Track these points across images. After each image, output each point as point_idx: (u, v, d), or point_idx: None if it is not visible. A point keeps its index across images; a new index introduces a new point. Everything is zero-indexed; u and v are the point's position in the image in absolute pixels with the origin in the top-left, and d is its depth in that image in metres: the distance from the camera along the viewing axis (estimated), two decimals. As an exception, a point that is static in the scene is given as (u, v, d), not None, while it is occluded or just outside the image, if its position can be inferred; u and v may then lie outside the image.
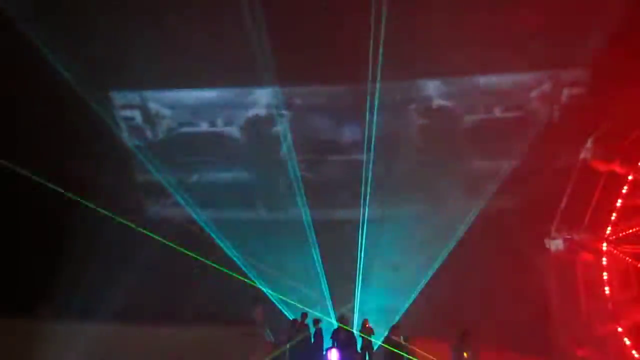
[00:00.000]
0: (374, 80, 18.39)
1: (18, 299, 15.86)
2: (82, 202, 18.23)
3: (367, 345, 18.29)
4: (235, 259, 20.67)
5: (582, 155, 19.66)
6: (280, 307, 20.65)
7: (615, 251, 19.15)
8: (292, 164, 20.92)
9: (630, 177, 18.98)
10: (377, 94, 19.20)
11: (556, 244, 20.19)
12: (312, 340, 18.08)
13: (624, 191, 19.15)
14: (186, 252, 18.86)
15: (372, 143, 20.49)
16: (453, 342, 17.73)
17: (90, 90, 18.81)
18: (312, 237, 21.03)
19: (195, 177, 21.62)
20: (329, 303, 20.76)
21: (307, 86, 20.19)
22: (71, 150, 19.07)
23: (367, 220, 21.00)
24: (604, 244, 19.33)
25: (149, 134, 21.31)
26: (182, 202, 21.24)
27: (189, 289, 19.71)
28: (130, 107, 20.82)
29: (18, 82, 17.26)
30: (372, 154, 20.62)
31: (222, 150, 21.40)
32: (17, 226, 18.04)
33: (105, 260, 18.38)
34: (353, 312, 20.61)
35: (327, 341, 18.20)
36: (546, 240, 20.42)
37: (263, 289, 20.60)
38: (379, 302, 20.60)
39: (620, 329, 18.76)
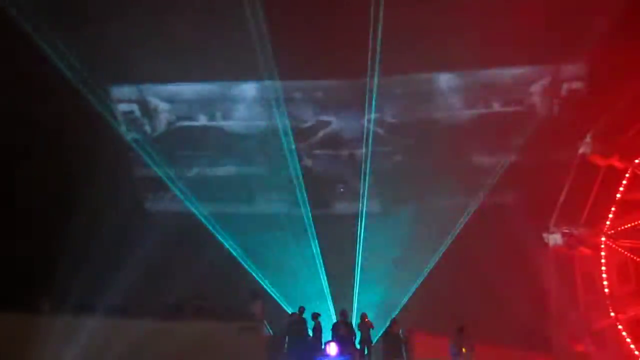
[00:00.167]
0: (372, 74, 18.38)
1: (17, 293, 15.87)
2: (81, 196, 18.30)
3: (366, 339, 18.29)
4: (234, 253, 20.69)
5: (581, 150, 19.67)
6: (279, 301, 20.68)
7: (613, 245, 19.18)
8: (291, 157, 20.92)
9: (628, 172, 18.98)
10: (374, 88, 19.25)
11: (554, 239, 20.24)
12: (312, 334, 18.08)
13: (622, 186, 19.18)
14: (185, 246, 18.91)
15: (370, 138, 20.53)
16: (451, 336, 17.77)
17: (88, 85, 18.78)
18: (311, 231, 21.05)
19: (194, 171, 21.62)
20: (328, 297, 20.77)
21: (306, 80, 20.17)
22: (70, 146, 19.03)
23: (366, 214, 21.03)
24: (603, 238, 19.33)
25: (147, 128, 21.26)
26: (181, 196, 21.23)
27: (188, 283, 19.69)
28: (129, 101, 20.78)
29: (18, 79, 17.24)
30: (370, 148, 20.64)
31: (221, 144, 21.38)
32: (15, 220, 18.03)
33: (104, 254, 18.36)
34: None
35: (326, 335, 18.21)
36: (545, 235, 20.43)
37: (262, 283, 20.63)
38: (378, 297, 20.62)
39: (618, 323, 18.78)
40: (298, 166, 21.04)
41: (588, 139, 19.44)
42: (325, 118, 21.08)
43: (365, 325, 18.38)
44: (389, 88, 19.68)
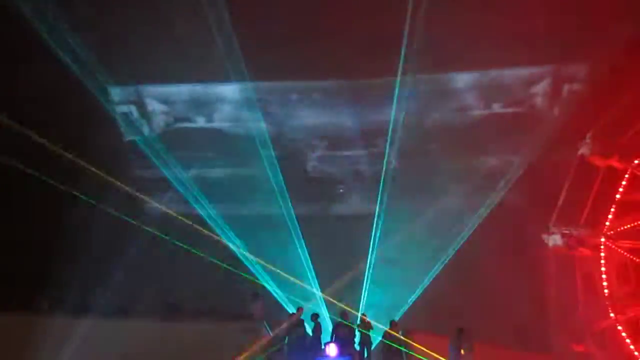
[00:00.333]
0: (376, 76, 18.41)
1: (17, 293, 15.83)
2: (79, 196, 18.22)
3: (365, 340, 18.27)
4: (234, 254, 20.65)
5: (580, 151, 19.66)
6: (279, 302, 20.65)
7: (613, 246, 19.15)
8: (290, 158, 20.91)
9: (628, 173, 18.98)
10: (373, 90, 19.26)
11: (554, 239, 20.20)
12: (311, 335, 18.05)
13: (621, 187, 19.18)
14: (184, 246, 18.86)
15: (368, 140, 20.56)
16: (451, 337, 17.76)
17: (87, 85, 18.74)
18: (313, 232, 21.03)
19: (192, 172, 21.58)
20: (327, 298, 20.72)
21: (304, 81, 20.16)
22: (68, 145, 18.95)
23: (366, 215, 21.02)
24: (602, 239, 19.32)
25: (145, 129, 21.23)
26: (179, 197, 21.19)
27: (188, 284, 19.67)
28: (127, 102, 20.73)
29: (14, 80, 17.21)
30: (368, 151, 20.64)
31: (220, 146, 21.35)
32: (14, 220, 17.97)
33: (103, 255, 18.32)
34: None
35: (325, 336, 18.19)
36: (544, 236, 20.41)
37: (262, 284, 20.59)
38: (379, 298, 20.60)
39: (618, 324, 18.76)
40: (298, 166, 21.04)
41: (588, 140, 19.43)
42: (323, 119, 21.07)
43: (365, 326, 18.38)
44: (387, 89, 19.68)
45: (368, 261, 20.89)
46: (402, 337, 17.85)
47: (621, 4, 16.44)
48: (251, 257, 20.73)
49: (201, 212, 21.07)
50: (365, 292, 20.91)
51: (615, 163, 19.17)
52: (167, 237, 18.78)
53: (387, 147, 20.65)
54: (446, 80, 19.84)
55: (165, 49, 18.05)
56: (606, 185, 19.34)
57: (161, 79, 19.89)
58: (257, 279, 20.64)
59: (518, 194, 20.39)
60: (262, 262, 20.55)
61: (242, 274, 20.17)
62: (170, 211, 20.47)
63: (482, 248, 19.66)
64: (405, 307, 20.24)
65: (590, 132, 19.30)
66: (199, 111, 21.02)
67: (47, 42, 17.13)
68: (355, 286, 20.76)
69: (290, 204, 21.42)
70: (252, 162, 21.38)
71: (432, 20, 16.71)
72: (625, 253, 19.09)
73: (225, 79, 19.38)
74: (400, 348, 17.80)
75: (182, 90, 20.59)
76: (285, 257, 20.69)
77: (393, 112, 19.93)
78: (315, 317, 18.50)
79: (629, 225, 19.05)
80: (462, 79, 19.78)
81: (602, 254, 19.35)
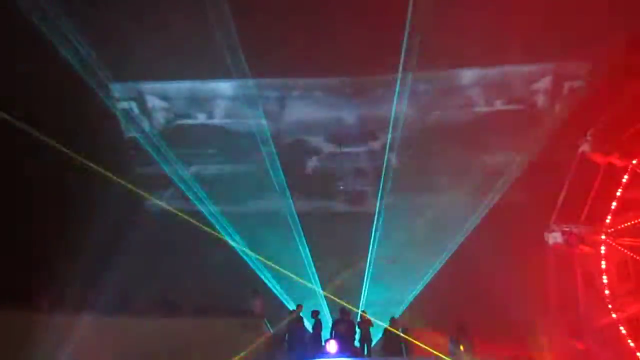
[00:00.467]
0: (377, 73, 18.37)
1: (16, 291, 15.83)
2: (80, 193, 18.24)
3: (365, 337, 18.32)
4: (235, 250, 20.69)
5: (581, 148, 19.63)
6: (280, 298, 20.70)
7: (613, 243, 19.15)
8: (291, 155, 20.91)
9: (628, 170, 18.96)
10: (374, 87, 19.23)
11: (555, 237, 20.17)
12: (312, 332, 18.11)
13: (622, 184, 19.16)
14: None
15: (368, 137, 20.54)
16: (451, 334, 17.81)
17: (88, 82, 18.74)
18: (313, 229, 21.06)
19: (193, 169, 21.59)
20: (329, 295, 20.78)
21: (305, 78, 20.13)
22: (70, 142, 18.96)
23: (366, 214, 21.04)
24: (603, 237, 19.32)
25: (146, 125, 21.22)
26: (180, 193, 21.21)
27: (189, 281, 19.71)
28: (128, 99, 20.72)
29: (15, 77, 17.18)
30: (369, 148, 20.64)
31: (220, 142, 21.35)
32: (15, 216, 17.97)
33: (104, 252, 18.34)
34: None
35: (325, 333, 18.23)
36: (545, 234, 20.40)
37: (263, 280, 20.64)
38: (379, 295, 20.64)
39: (618, 322, 18.78)
40: (298, 164, 21.05)
41: (588, 137, 19.39)
42: (325, 116, 21.05)
43: (365, 323, 18.44)
44: (388, 86, 19.65)
45: (368, 259, 20.94)
46: (402, 334, 17.89)
47: (621, 4, 16.36)
48: (251, 253, 20.78)
49: (202, 208, 21.10)
50: (365, 289, 20.97)
51: (615, 160, 19.13)
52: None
53: (388, 144, 20.64)
54: (447, 78, 19.80)
55: (166, 46, 17.98)
56: (607, 183, 19.32)
57: (161, 75, 19.82)
58: (258, 275, 20.69)
59: (518, 191, 20.41)
60: (263, 259, 20.61)
61: (243, 270, 20.22)
62: (170, 208, 20.53)
63: (482, 245, 19.70)
64: (406, 304, 20.29)
65: (591, 129, 19.25)
66: (199, 108, 20.97)
67: (48, 40, 17.08)
68: (355, 283, 20.82)
69: (291, 201, 21.47)
70: (252, 158, 21.40)
71: (433, 18, 16.62)
72: (625, 250, 19.09)
73: (226, 75, 19.34)
74: (400, 345, 17.85)
75: (182, 87, 20.55)
76: (285, 254, 20.74)
77: (394, 109, 19.94)
78: (315, 314, 18.55)
79: (629, 223, 19.03)
80: (463, 76, 19.77)
81: (603, 252, 19.38)
